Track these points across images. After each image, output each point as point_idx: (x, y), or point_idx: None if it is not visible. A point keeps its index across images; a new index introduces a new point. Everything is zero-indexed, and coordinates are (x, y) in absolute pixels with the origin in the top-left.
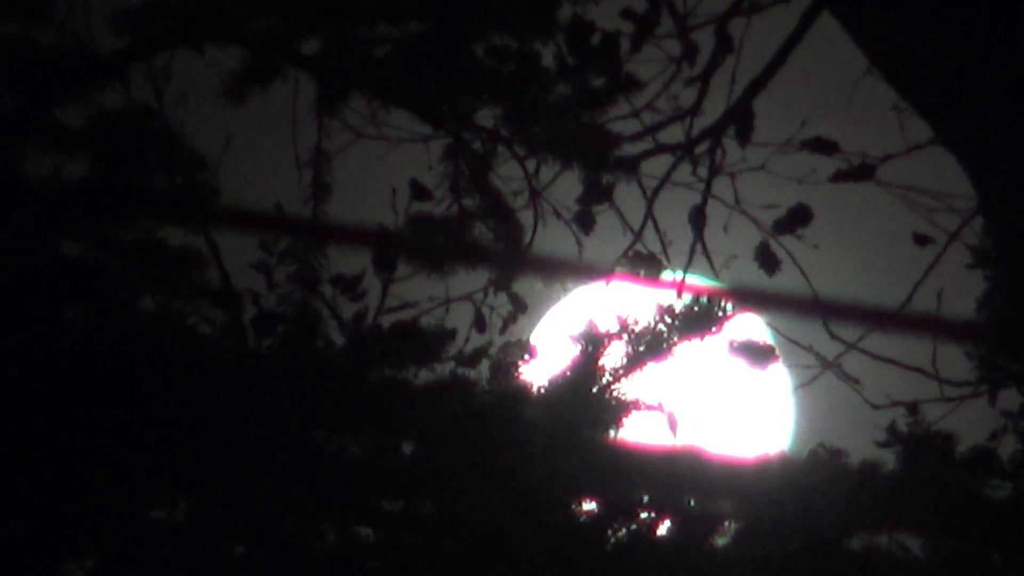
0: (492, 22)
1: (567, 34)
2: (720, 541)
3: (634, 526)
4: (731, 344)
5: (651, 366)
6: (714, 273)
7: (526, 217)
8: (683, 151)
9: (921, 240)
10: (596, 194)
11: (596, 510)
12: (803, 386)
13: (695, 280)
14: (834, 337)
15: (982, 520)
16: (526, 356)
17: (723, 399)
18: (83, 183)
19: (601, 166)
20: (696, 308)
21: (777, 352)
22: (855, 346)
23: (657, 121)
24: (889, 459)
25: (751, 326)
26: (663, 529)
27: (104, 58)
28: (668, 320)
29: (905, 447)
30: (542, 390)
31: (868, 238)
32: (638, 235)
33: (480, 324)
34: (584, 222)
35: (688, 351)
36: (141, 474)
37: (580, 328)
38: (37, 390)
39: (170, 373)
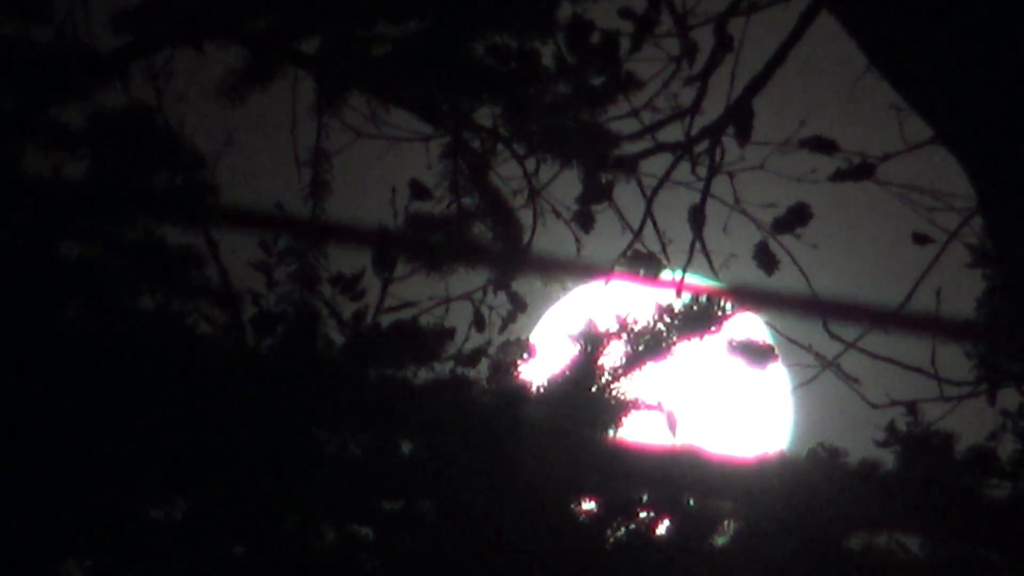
0: (492, 21)
1: (566, 33)
2: (719, 540)
3: (633, 525)
4: (730, 343)
5: (650, 365)
6: (713, 272)
7: (525, 216)
8: (682, 150)
9: (920, 239)
10: (595, 193)
11: (595, 509)
12: (802, 385)
13: (694, 279)
14: (833, 336)
15: (981, 520)
16: (525, 355)
17: (722, 399)
18: (83, 182)
19: (600, 165)
20: (695, 307)
21: (776, 351)
22: (854, 345)
23: (656, 120)
24: (888, 458)
25: (750, 325)
26: (662, 528)
27: (104, 57)
28: (667, 319)
29: (904, 446)
30: (541, 389)
31: (867, 237)
32: (637, 234)
33: (479, 323)
34: (583, 221)
35: (687, 350)
36: (141, 474)
37: (579, 327)
38: (37, 390)
39: (170, 373)
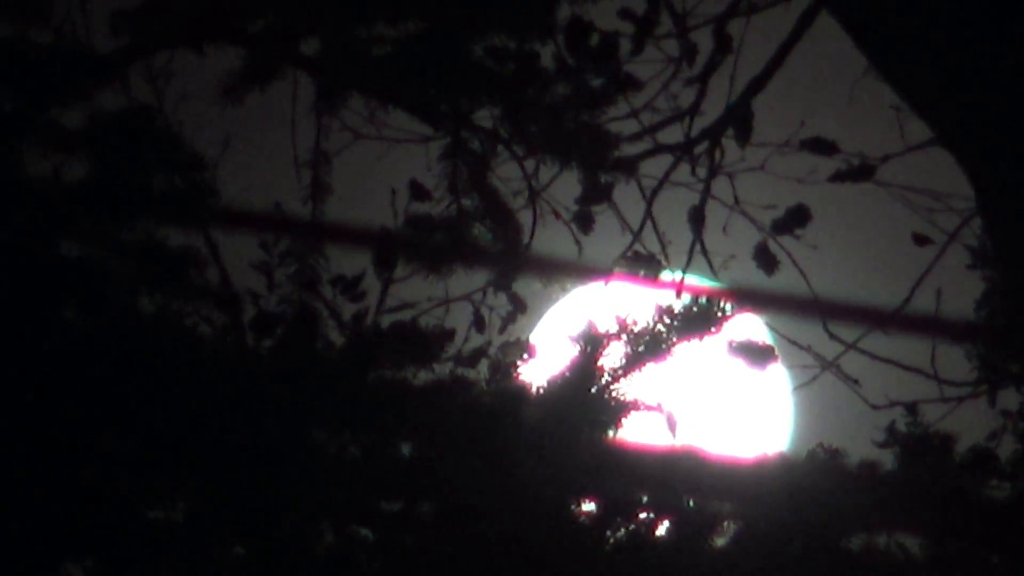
0: (491, 22)
1: (566, 34)
2: (719, 542)
3: (633, 526)
4: (730, 344)
5: (650, 366)
6: (713, 273)
7: (525, 217)
8: (682, 151)
9: (920, 240)
10: (595, 194)
11: (595, 510)
12: (802, 386)
13: (694, 280)
14: (833, 337)
15: (981, 520)
16: (525, 356)
17: (722, 399)
18: (83, 183)
19: (600, 166)
20: (695, 308)
21: (776, 352)
22: (854, 346)
23: (656, 121)
24: (888, 459)
25: (750, 326)
26: (662, 529)
27: (103, 58)
28: (667, 320)
29: (904, 447)
30: (541, 390)
31: (867, 238)
32: (637, 235)
33: (479, 324)
34: (583, 222)
35: (687, 351)
36: (141, 474)
37: (579, 328)
38: (36, 390)
39: (169, 373)
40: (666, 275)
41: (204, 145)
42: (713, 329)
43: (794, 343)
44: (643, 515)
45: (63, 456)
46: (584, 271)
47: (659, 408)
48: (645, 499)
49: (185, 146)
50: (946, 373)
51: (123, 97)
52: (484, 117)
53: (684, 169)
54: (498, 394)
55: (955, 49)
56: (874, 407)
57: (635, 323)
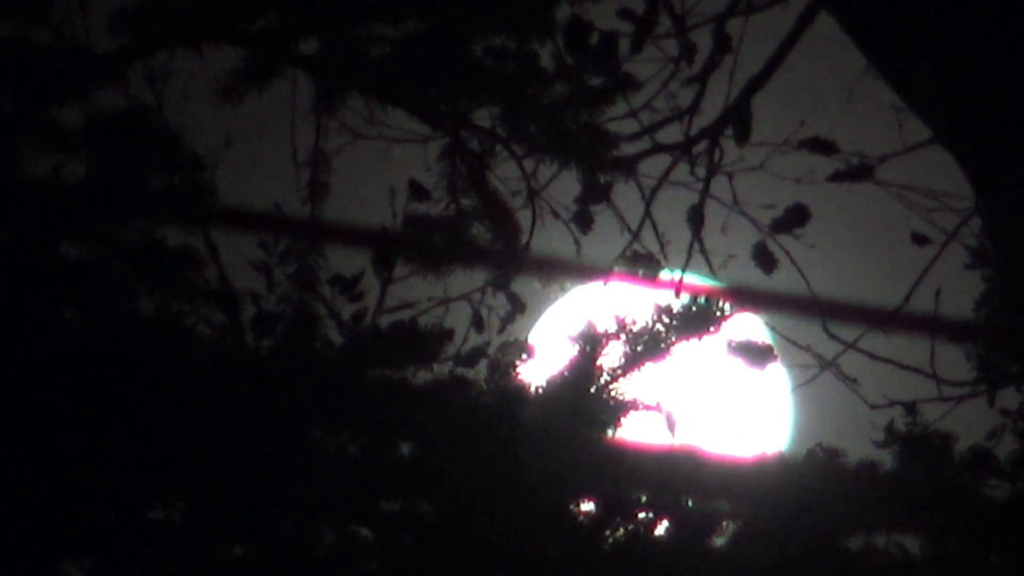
0: (490, 22)
1: (565, 34)
2: (718, 541)
3: (632, 526)
4: (729, 344)
5: (649, 366)
6: (712, 273)
7: (524, 217)
8: (681, 151)
9: (919, 240)
10: (594, 194)
11: (594, 510)
12: (801, 386)
13: (693, 280)
14: (832, 337)
15: (980, 520)
16: (524, 356)
17: (721, 399)
18: (82, 183)
19: (599, 166)
20: (694, 308)
21: (775, 352)
22: (853, 346)
23: (655, 121)
24: (887, 459)
25: (749, 326)
26: (661, 529)
27: (102, 58)
28: (666, 320)
29: (903, 447)
30: (540, 390)
31: (866, 238)
32: (636, 235)
33: (478, 324)
34: (582, 222)
35: (686, 351)
36: (140, 474)
37: (578, 328)
38: (35, 391)
39: (168, 373)
40: (665, 275)
41: (203, 145)
42: (712, 329)
43: (793, 343)
44: (642, 515)
45: (63, 456)
46: (583, 271)
47: (658, 408)
48: (644, 499)
49: (184, 146)
50: (945, 373)
51: (122, 97)
52: (483, 117)
53: (683, 169)
54: (497, 394)
55: (954, 49)
56: (873, 407)
57: (634, 323)
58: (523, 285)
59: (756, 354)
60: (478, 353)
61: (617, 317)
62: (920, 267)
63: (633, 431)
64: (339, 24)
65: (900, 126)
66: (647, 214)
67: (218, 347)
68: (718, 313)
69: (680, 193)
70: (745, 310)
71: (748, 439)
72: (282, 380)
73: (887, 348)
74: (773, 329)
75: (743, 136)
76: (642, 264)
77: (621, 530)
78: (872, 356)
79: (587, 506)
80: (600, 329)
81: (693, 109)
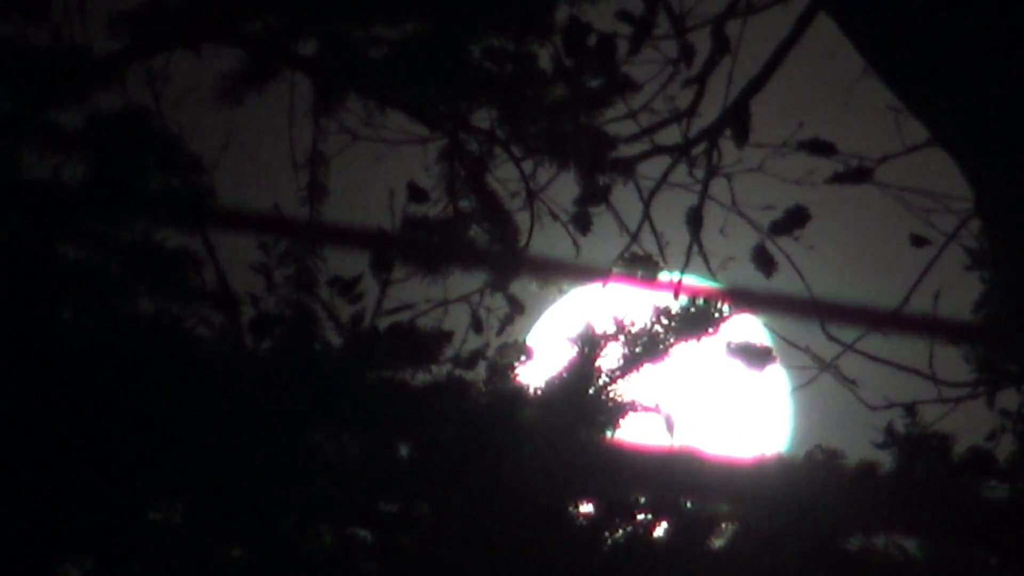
0: (489, 24)
1: (564, 36)
2: (717, 543)
3: (631, 528)
4: (728, 345)
5: (648, 367)
6: (711, 274)
7: (523, 218)
8: (680, 152)
9: (918, 241)
10: (593, 195)
11: (593, 511)
12: (800, 387)
13: (692, 281)
14: (831, 338)
15: (979, 521)
16: (523, 357)
17: (720, 400)
18: (81, 184)
19: (598, 167)
20: (693, 309)
21: (774, 353)
22: (852, 347)
23: (654, 122)
24: (886, 460)
25: (748, 327)
26: (660, 531)
27: (101, 59)
28: (665, 321)
29: (902, 448)
30: (539, 391)
31: (865, 239)
32: (635, 236)
33: (477, 326)
34: (581, 223)
35: (685, 352)
36: (139, 475)
37: (577, 329)
38: (35, 392)
39: (168, 375)
40: (664, 276)
41: (202, 146)
42: (711, 330)
43: (792, 344)
44: (641, 516)
45: (63, 456)
46: (582, 272)
47: (657, 409)
48: (643, 500)
49: (183, 147)
50: (944, 374)
51: (121, 98)
52: (482, 118)
53: (682, 170)
54: (496, 395)
55: (953, 50)
56: (872, 408)
57: (633, 324)
58: (522, 287)
59: (755, 355)
60: (477, 355)
61: (616, 318)
62: (919, 268)
63: (632, 432)
64: (337, 26)
65: (899, 127)
66: (646, 216)
67: (217, 348)
68: (717, 314)
69: (679, 195)
70: (744, 311)
71: (747, 440)
72: (281, 381)
73: (886, 349)
74: (772, 330)
75: (742, 137)
76: (641, 265)
77: (620, 531)
78: (871, 357)
79: (586, 507)
80: (599, 330)
81: (692, 111)
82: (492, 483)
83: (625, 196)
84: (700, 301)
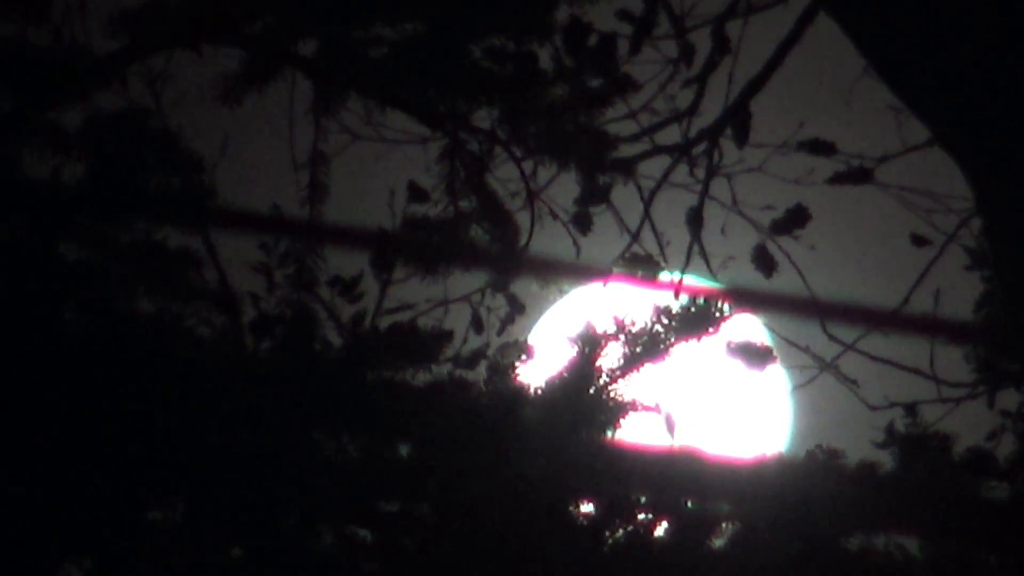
0: (489, 24)
1: (564, 35)
2: (717, 542)
3: (631, 527)
4: (728, 345)
5: (648, 367)
6: (711, 274)
7: (523, 218)
8: (680, 152)
9: (919, 241)
10: (593, 195)
11: (593, 511)
12: (801, 387)
13: (692, 281)
14: (832, 338)
15: (980, 521)
16: (524, 357)
17: (721, 400)
18: (81, 184)
19: (598, 167)
20: (693, 309)
21: (775, 353)
22: (853, 347)
23: (654, 122)
24: (887, 460)
25: (749, 327)
26: (660, 530)
27: (102, 59)
28: (665, 321)
29: (903, 448)
30: (539, 391)
31: (865, 239)
32: (635, 236)
33: (478, 325)
34: (581, 223)
35: (685, 352)
36: (140, 475)
37: (577, 329)
38: (35, 392)
39: (168, 375)
40: (664, 276)
41: (202, 146)
42: (711, 330)
43: (793, 344)
44: (641, 516)
45: (63, 456)
46: (582, 272)
47: (657, 409)
48: (643, 500)
49: (183, 147)
50: (945, 374)
51: (121, 98)
52: (482, 118)
53: (682, 170)
54: (496, 395)
55: (954, 49)
56: (873, 408)
57: (633, 324)
58: (522, 287)
59: (755, 355)
60: (477, 354)
61: (616, 318)
62: (919, 268)
63: (632, 432)
64: (338, 25)
65: (899, 127)
66: (646, 215)
67: (217, 348)
68: (717, 314)
69: (679, 194)
70: (744, 311)
71: (748, 440)
72: (281, 381)
73: (887, 349)
74: (772, 330)
75: (742, 137)
76: (641, 265)
77: (620, 531)
78: (872, 357)
79: (586, 507)
80: (599, 330)
81: (692, 110)
82: (492, 483)
83: (625, 196)
84: (700, 301)
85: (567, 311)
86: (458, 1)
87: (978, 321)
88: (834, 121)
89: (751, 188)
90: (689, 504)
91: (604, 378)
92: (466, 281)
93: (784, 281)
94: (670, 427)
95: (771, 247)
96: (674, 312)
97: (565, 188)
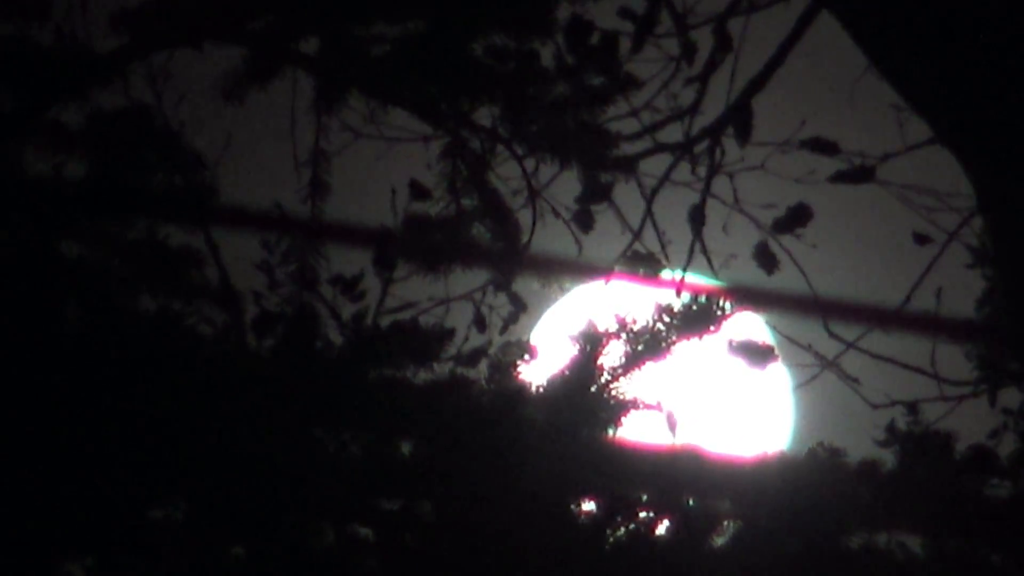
0: (491, 21)
1: (566, 33)
2: (719, 540)
3: (633, 526)
4: (730, 343)
5: (650, 365)
6: (713, 272)
7: (525, 216)
8: (682, 150)
9: (920, 239)
10: (595, 193)
11: (595, 510)
12: (802, 385)
13: (694, 279)
14: (833, 336)
15: (981, 519)
16: (525, 356)
17: (722, 398)
18: (82, 183)
19: (600, 165)
20: (695, 307)
21: (776, 351)
22: (854, 345)
23: (656, 120)
24: (888, 458)
25: (750, 325)
26: (662, 529)
27: (103, 58)
28: (667, 319)
29: (904, 446)
30: (541, 389)
31: (867, 237)
32: (637, 234)
33: (480, 324)
34: (583, 221)
35: (687, 350)
36: (141, 474)
37: (579, 327)
38: (37, 390)
39: (170, 373)
40: (666, 274)
41: (204, 144)
42: (713, 328)
43: (794, 342)
44: (643, 514)
45: (65, 455)
46: (584, 270)
47: (659, 407)
48: (645, 498)
49: (185, 145)
50: (946, 372)
51: (123, 96)
52: (484, 116)
53: (684, 168)
54: (498, 393)
55: (955, 48)
56: (874, 406)
57: (635, 322)
58: (524, 285)
59: (757, 353)
60: (479, 353)
61: (618, 316)
62: (921, 266)
63: (634, 430)
64: (339, 23)
65: (901, 125)
66: (648, 214)
67: (219, 347)
68: (719, 312)
69: (681, 193)
70: (746, 309)
71: (749, 438)
72: (283, 380)
73: (888, 347)
74: (774, 328)
75: (744, 136)
76: (643, 264)
77: (622, 529)
78: (873, 355)
79: (588, 505)
80: (601, 328)
81: (694, 109)
82: (494, 481)
83: (627, 194)
84: (702, 299)
85: (569, 309)
86: None
87: (980, 319)
88: (836, 119)
89: (753, 186)
90: (691, 502)
91: (606, 376)
92: (468, 279)
93: (786, 279)
94: (671, 425)
95: (773, 245)
96: (676, 310)
97: (567, 186)
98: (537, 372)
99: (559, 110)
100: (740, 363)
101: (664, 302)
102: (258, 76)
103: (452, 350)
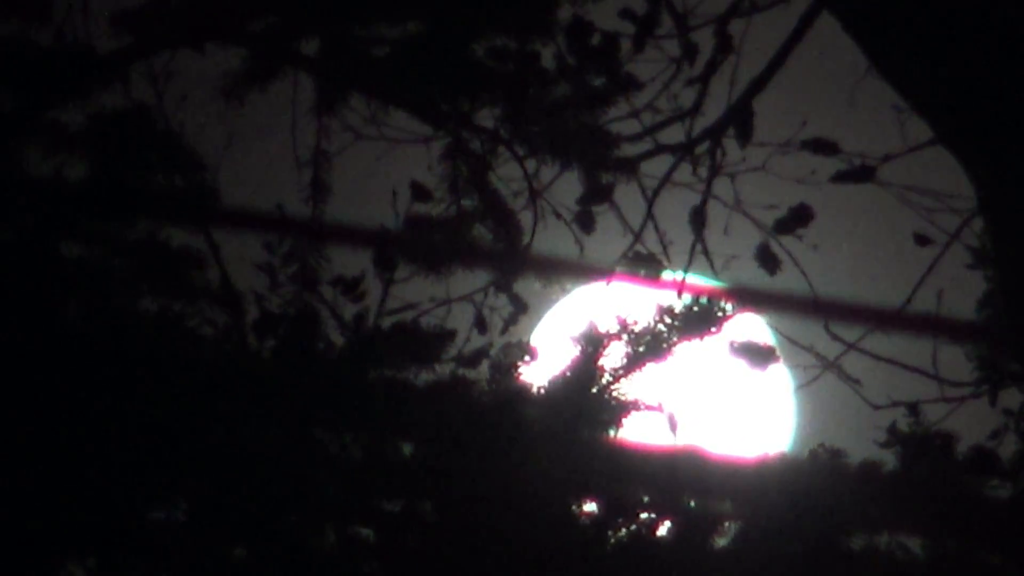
0: (492, 22)
1: (567, 34)
2: (720, 542)
3: (634, 527)
4: (731, 344)
5: (651, 366)
6: (714, 273)
7: (526, 217)
8: (683, 151)
9: (921, 240)
10: (596, 194)
11: (596, 510)
12: (804, 386)
13: (695, 280)
14: (834, 337)
15: (982, 520)
16: (526, 357)
17: (723, 399)
18: (83, 183)
19: (601, 166)
20: (696, 308)
21: (777, 352)
22: (855, 346)
23: (657, 121)
24: (889, 459)
25: (751, 326)
26: (663, 530)
27: (104, 59)
28: (668, 320)
29: (905, 447)
30: (542, 390)
31: (868, 238)
32: (638, 235)
33: (481, 325)
34: (584, 222)
35: (688, 351)
36: (142, 474)
37: (580, 328)
38: (38, 391)
39: (171, 374)
40: (667, 275)
41: (205, 145)
42: (714, 329)
43: (795, 343)
44: (644, 515)
45: (66, 455)
46: (585, 271)
47: (660, 408)
48: (646, 499)
49: (186, 146)
50: (947, 373)
51: (124, 97)
52: (485, 117)
53: (685, 169)
54: (499, 394)
55: (956, 49)
56: (876, 407)
57: (636, 323)
58: (525, 286)
59: (758, 354)
60: (480, 354)
61: (619, 318)
62: (922, 267)
63: (635, 431)
64: (340, 24)
65: (902, 126)
66: (649, 215)
67: (220, 348)
68: (720, 313)
69: (682, 194)
70: (747, 310)
71: (750, 439)
72: (284, 381)
73: (889, 348)
74: (775, 329)
75: (745, 137)
76: (644, 265)
77: (623, 530)
78: (874, 356)
79: (589, 506)
80: (602, 330)
81: (695, 110)
82: (495, 482)
83: (628, 195)
84: (703, 300)
85: (570, 310)
86: (460, 0)
87: (980, 320)
88: (837, 120)
89: (754, 187)
90: (692, 503)
91: (607, 377)
92: (469, 280)
93: (787, 280)
94: (673, 426)
95: (774, 246)
96: (677, 311)
97: (568, 187)
98: (538, 373)
99: (560, 111)
100: (741, 364)
101: (665, 303)
102: (259, 77)
103: (453, 351)
